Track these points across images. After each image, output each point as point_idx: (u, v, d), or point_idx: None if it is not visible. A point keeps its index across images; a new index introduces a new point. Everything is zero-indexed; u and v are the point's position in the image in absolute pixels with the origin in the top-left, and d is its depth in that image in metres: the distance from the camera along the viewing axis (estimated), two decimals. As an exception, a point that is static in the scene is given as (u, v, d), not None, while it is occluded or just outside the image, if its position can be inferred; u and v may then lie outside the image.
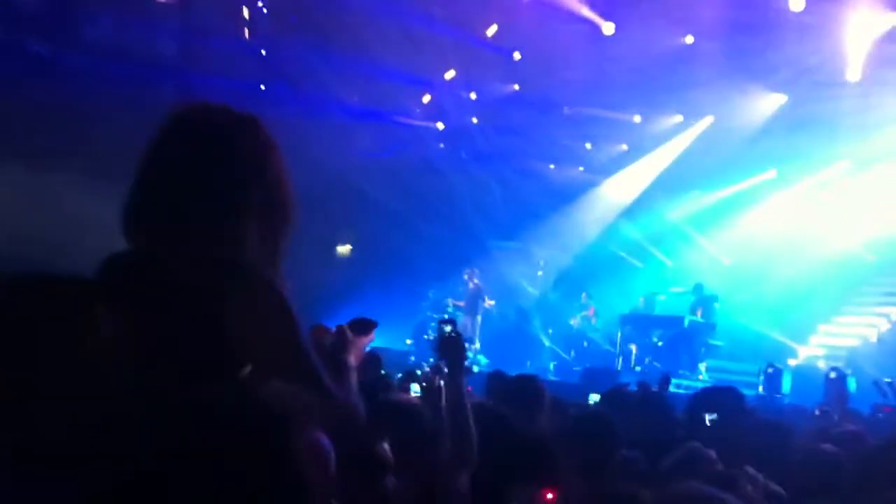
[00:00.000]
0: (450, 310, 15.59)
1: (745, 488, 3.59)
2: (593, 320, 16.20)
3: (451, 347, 3.80)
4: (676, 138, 17.32)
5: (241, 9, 13.76)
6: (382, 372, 8.92)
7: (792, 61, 14.25)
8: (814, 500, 3.92)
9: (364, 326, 2.31)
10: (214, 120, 1.89)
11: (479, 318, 15.52)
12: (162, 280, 1.70)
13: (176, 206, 1.78)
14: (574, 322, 16.14)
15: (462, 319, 15.14)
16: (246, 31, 13.88)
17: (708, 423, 4.80)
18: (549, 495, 2.63)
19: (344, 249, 17.84)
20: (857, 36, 13.33)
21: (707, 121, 16.80)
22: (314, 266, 15.97)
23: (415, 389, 6.29)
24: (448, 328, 4.00)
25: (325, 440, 1.86)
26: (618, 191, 18.43)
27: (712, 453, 4.03)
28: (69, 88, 11.84)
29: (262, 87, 14.52)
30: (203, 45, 13.41)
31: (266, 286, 1.76)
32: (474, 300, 15.60)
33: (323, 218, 16.28)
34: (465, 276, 15.88)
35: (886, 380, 10.71)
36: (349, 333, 2.23)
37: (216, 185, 1.81)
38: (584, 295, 16.54)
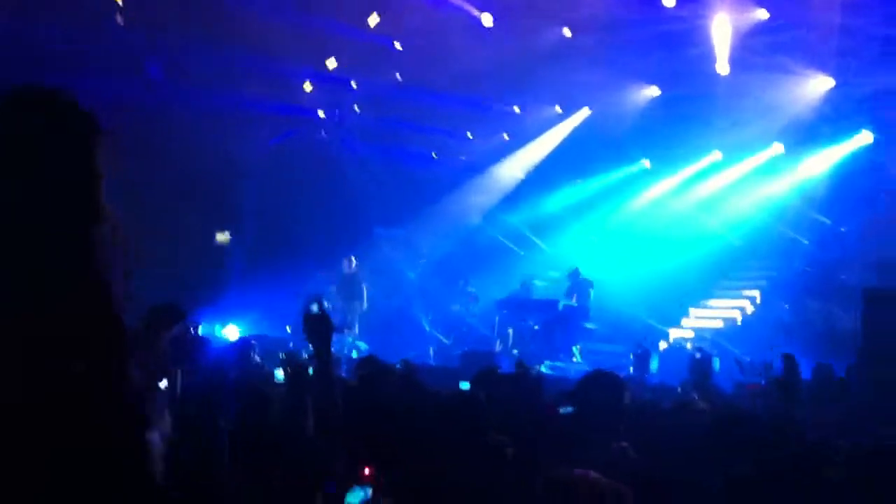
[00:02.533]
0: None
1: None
2: (472, 305, 16.46)
3: (316, 326, 3.82)
4: (555, 128, 17.75)
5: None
6: (257, 359, 8.91)
7: (664, 55, 14.79)
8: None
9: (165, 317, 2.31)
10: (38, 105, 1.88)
11: (357, 303, 15.52)
12: None
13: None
14: (455, 307, 16.38)
15: (339, 304, 15.15)
16: (119, 17, 13.40)
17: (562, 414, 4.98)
18: (366, 471, 2.71)
19: (223, 237, 17.51)
20: (725, 31, 13.92)
21: (583, 112, 17.26)
22: (193, 254, 15.71)
23: (278, 375, 6.31)
24: (314, 307, 4.03)
25: None
26: (499, 179, 18.74)
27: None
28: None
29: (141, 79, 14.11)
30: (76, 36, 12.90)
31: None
32: (351, 286, 15.61)
33: (204, 207, 16.01)
34: (344, 262, 15.88)
35: (746, 359, 11.36)
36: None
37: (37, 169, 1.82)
38: (461, 281, 16.78)
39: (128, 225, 2.02)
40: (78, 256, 1.81)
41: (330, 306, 11.13)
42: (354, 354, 12.93)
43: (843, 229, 15.27)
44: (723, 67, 14.39)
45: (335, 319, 4.21)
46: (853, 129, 15.57)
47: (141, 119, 12.83)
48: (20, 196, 1.79)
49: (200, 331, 8.92)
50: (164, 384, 4.70)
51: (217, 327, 12.53)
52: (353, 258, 15.84)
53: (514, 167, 18.48)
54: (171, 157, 14.54)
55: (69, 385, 1.69)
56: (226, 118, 15.52)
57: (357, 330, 15.31)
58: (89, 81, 11.40)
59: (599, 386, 5.06)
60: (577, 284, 15.42)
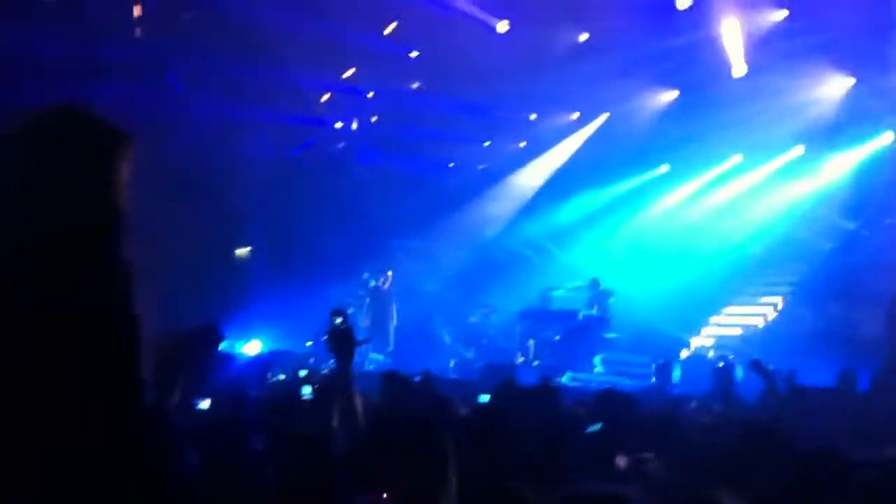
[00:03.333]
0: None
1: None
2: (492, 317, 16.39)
3: (337, 339, 3.79)
4: (574, 135, 17.65)
5: (132, 7, 13.35)
6: (280, 376, 8.88)
7: (682, 57, 14.70)
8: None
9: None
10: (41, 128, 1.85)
11: (389, 319, 15.51)
12: None
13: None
14: (473, 319, 16.29)
15: (368, 319, 15.16)
16: (137, 30, 13.46)
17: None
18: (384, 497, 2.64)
19: (243, 252, 17.56)
20: (737, 33, 13.82)
21: (602, 118, 17.15)
22: (213, 268, 15.73)
23: (305, 391, 6.28)
24: (338, 320, 3.98)
25: None
26: (517, 188, 18.65)
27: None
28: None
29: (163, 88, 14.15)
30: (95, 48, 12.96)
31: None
32: (383, 301, 15.60)
33: (224, 221, 16.03)
34: (365, 276, 15.87)
35: (770, 367, 11.17)
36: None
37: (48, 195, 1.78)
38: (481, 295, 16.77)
39: (146, 237, 2.00)
40: (101, 268, 1.79)
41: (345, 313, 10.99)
42: (371, 367, 12.88)
43: (866, 233, 15.09)
44: (739, 69, 14.31)
45: (358, 334, 4.17)
46: (875, 130, 15.39)
47: (158, 130, 12.84)
48: (43, 212, 1.77)
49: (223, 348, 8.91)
50: (206, 404, 4.67)
51: (237, 344, 12.50)
52: (389, 273, 15.82)
53: (532, 175, 18.38)
54: (187, 169, 14.56)
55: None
56: (243, 129, 15.55)
57: (392, 346, 15.28)
58: (108, 90, 11.50)
59: (612, 404, 5.05)
60: (598, 294, 15.31)
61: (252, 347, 12.43)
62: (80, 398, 1.66)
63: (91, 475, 1.65)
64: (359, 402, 4.47)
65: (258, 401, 5.82)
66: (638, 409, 5.67)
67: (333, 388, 6.81)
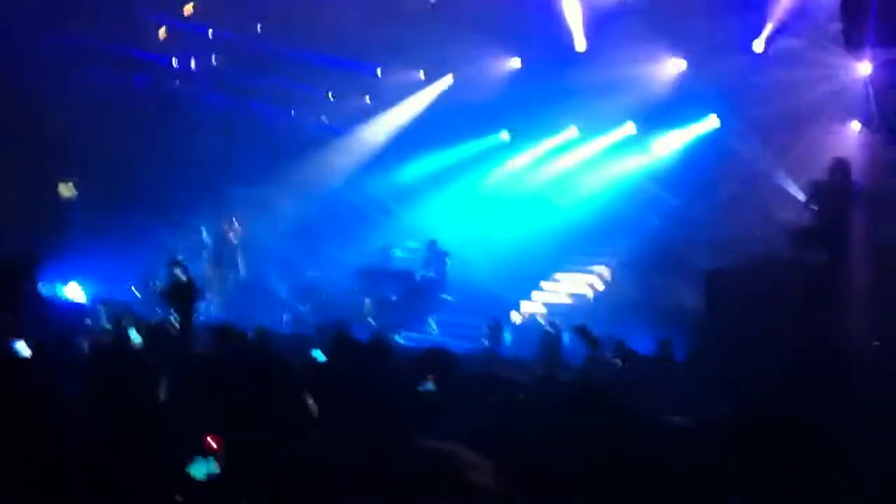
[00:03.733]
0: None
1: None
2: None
3: (177, 291, 3.64)
4: (419, 94, 17.59)
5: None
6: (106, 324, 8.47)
7: (527, 27, 14.92)
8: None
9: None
10: None
11: (233, 271, 15.15)
12: None
13: None
14: (311, 274, 16.11)
15: (208, 271, 14.69)
16: None
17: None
18: (212, 443, 2.56)
19: (66, 187, 16.38)
20: (580, 8, 14.16)
21: (447, 79, 17.19)
22: (31, 201, 14.76)
23: (135, 338, 6.04)
24: (177, 270, 3.81)
25: None
26: (361, 142, 18.43)
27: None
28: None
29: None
30: None
31: None
32: (229, 251, 15.16)
33: (46, 152, 15.02)
34: (224, 225, 15.32)
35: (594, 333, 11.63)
36: None
37: None
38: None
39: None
40: None
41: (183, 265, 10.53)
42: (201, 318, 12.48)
43: (690, 210, 15.85)
44: (580, 44, 14.68)
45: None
46: (703, 113, 16.15)
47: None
48: None
49: (42, 289, 8.42)
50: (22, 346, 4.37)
51: (58, 286, 11.81)
52: (234, 220, 15.23)
53: (377, 131, 18.19)
54: (8, 96, 13.61)
55: None
56: (72, 57, 14.62)
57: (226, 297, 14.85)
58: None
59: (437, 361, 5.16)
60: (435, 255, 15.45)
61: (72, 290, 11.78)
62: None
63: None
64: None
65: (80, 349, 5.54)
66: (464, 368, 5.80)
67: (167, 338, 6.59)
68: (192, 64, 16.30)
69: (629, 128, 17.00)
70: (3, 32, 13.33)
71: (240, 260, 15.32)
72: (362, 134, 18.34)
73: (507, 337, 12.63)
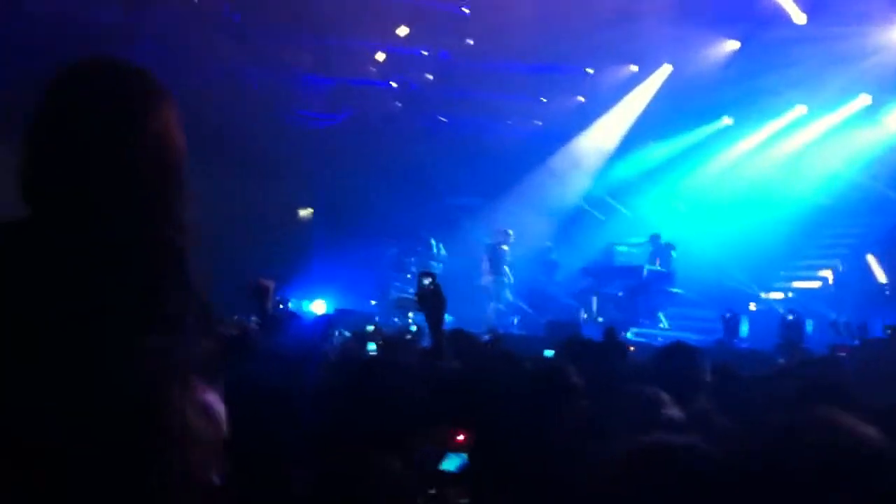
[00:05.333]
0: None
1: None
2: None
3: (428, 300, 3.84)
4: (636, 90, 17.32)
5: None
6: (346, 333, 9.00)
7: (741, 5, 14.32)
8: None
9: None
10: (91, 76, 1.87)
11: (505, 277, 15.71)
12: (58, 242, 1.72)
13: (61, 166, 1.78)
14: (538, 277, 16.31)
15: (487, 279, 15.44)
16: None
17: None
18: (460, 437, 2.66)
19: (305, 213, 17.76)
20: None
21: (665, 70, 16.82)
22: (277, 228, 15.98)
23: (371, 347, 6.37)
24: (427, 281, 4.01)
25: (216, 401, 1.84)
26: (579, 145, 18.44)
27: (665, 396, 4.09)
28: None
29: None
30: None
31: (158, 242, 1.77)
32: (502, 258, 15.76)
33: (285, 182, 16.21)
34: (499, 235, 15.99)
35: (842, 319, 10.99)
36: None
37: (95, 141, 1.79)
38: (546, 246, 16.69)
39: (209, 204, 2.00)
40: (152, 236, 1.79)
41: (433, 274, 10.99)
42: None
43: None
44: (798, 16, 13.90)
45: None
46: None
47: (211, 98, 12.98)
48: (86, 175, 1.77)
49: (290, 306, 9.10)
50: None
51: (304, 303, 12.71)
52: (509, 231, 15.86)
53: (598, 135, 18.09)
54: (244, 136, 14.73)
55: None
56: (298, 94, 15.64)
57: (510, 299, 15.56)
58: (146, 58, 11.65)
59: (677, 358, 4.96)
60: (660, 249, 15.16)
61: (318, 306, 12.63)
62: None
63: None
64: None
65: (325, 355, 5.92)
66: (703, 361, 5.62)
67: (400, 344, 6.91)
68: (410, 84, 16.95)
69: (864, 100, 15.93)
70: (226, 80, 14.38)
71: (508, 269, 15.76)
72: (585, 140, 18.28)
73: (745, 328, 12.14)
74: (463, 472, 2.58)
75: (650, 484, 2.29)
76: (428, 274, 4.11)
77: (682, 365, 5.23)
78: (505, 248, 15.85)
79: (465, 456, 2.57)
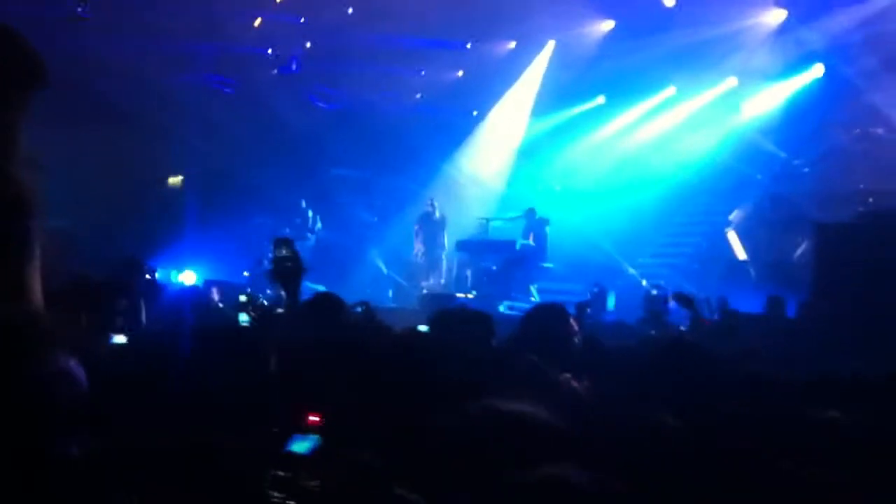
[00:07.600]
0: None
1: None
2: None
3: (283, 268, 3.76)
4: (517, 66, 17.48)
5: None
6: (218, 303, 8.81)
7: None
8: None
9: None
10: None
11: (440, 248, 15.83)
12: None
13: None
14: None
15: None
16: None
17: None
18: (314, 417, 2.65)
19: (175, 180, 17.23)
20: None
21: (548, 47, 17.03)
22: (147, 196, 15.47)
23: (242, 318, 6.26)
24: (283, 249, 3.92)
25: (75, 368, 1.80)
26: (460, 119, 18.53)
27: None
28: None
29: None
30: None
31: None
32: (438, 228, 15.85)
33: (153, 147, 15.67)
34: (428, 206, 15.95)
35: (702, 295, 11.44)
36: None
37: None
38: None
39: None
40: None
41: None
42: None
43: (796, 162, 15.39)
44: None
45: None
46: (806, 63, 15.58)
47: (78, 63, 12.44)
48: None
49: (157, 276, 8.82)
50: (121, 339, 4.60)
51: (173, 273, 12.36)
52: (433, 201, 15.94)
53: (479, 109, 18.22)
54: (115, 102, 14.21)
55: None
56: (170, 59, 15.16)
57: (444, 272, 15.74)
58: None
59: (545, 318, 5.06)
60: (534, 224, 15.42)
61: (188, 277, 12.31)
62: None
63: None
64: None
65: (195, 328, 5.77)
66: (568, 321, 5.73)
67: (275, 316, 6.79)
68: (288, 52, 16.62)
69: (730, 83, 16.56)
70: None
71: (444, 237, 15.97)
72: (464, 110, 18.36)
73: (611, 301, 12.53)
74: (315, 454, 2.55)
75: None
76: (284, 241, 4.00)
77: (551, 324, 5.35)
78: (437, 216, 15.97)
79: (317, 437, 2.54)
